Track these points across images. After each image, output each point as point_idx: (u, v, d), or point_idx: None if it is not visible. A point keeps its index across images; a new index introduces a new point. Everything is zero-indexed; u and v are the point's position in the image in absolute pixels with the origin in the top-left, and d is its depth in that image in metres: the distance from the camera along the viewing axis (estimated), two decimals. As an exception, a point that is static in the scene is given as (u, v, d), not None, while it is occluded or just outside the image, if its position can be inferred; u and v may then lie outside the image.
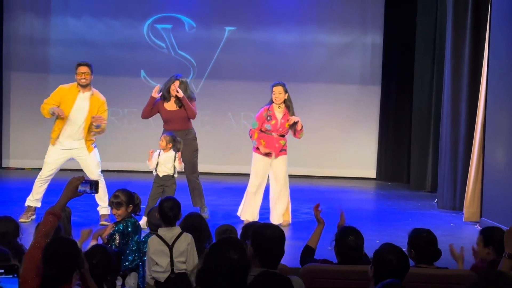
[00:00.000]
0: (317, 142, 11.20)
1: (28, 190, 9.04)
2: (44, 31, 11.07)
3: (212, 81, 11.22)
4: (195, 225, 4.58)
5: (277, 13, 11.16)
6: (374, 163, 11.35)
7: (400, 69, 11.02)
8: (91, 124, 6.98)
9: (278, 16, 11.16)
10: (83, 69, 6.97)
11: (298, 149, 10.81)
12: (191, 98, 7.46)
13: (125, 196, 4.94)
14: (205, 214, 7.37)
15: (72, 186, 3.32)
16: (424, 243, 3.96)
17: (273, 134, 7.34)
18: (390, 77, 11.15)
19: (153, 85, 11.14)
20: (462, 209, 8.14)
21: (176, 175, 7.04)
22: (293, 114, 7.35)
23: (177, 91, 7.31)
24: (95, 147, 7.19)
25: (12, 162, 11.11)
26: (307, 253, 4.16)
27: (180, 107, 7.39)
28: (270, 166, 7.39)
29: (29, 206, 7.06)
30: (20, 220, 6.74)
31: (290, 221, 7.50)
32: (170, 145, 6.99)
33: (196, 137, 7.64)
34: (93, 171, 7.08)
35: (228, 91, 11.15)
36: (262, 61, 11.18)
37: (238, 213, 7.46)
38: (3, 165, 11.05)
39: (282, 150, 7.41)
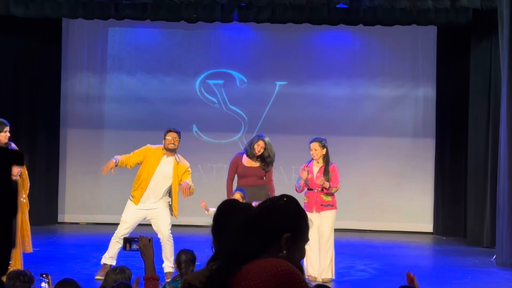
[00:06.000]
0: (370, 195, 11.09)
1: (82, 245, 9.20)
2: (100, 88, 11.36)
3: (263, 135, 11.27)
4: None
5: (328, 67, 11.23)
6: (429, 217, 11.14)
7: (454, 122, 10.89)
8: (177, 190, 7.19)
9: (329, 70, 11.23)
10: (173, 135, 7.21)
11: (352, 202, 10.72)
12: (271, 162, 7.65)
13: None
14: None
15: (150, 245, 3.38)
16: None
17: (314, 189, 7.36)
18: (444, 130, 11.03)
19: (205, 140, 11.37)
20: (523, 267, 7.89)
21: None
22: (326, 169, 7.30)
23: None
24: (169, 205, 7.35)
25: (67, 217, 11.28)
26: None
27: (262, 168, 7.59)
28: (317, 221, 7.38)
29: (104, 264, 7.11)
30: (97, 277, 6.95)
31: (332, 278, 7.35)
32: (244, 201, 7.07)
33: (269, 194, 7.71)
34: (163, 232, 7.18)
35: (278, 145, 11.05)
36: (313, 115, 11.21)
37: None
38: (59, 220, 11.22)
39: (327, 206, 7.36)
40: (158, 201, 7.20)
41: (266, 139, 7.66)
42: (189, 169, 7.33)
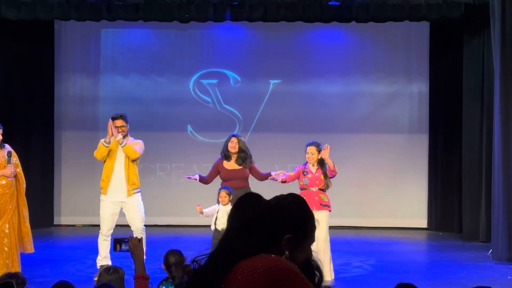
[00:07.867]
0: (365, 192, 11.11)
1: (79, 247, 9.19)
2: (93, 90, 11.35)
3: (258, 134, 11.28)
4: None
5: (321, 64, 11.24)
6: (424, 213, 11.17)
7: (448, 117, 10.91)
8: (130, 174, 7.13)
9: (322, 67, 11.23)
10: (119, 122, 7.08)
11: (346, 200, 10.73)
12: (250, 157, 7.66)
13: None
14: None
15: (139, 246, 3.46)
16: None
17: (311, 188, 7.41)
18: (438, 126, 11.04)
19: (200, 140, 11.36)
20: (519, 261, 7.90)
21: None
22: (325, 172, 7.38)
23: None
24: (138, 192, 7.24)
25: (63, 219, 11.27)
26: None
27: (241, 165, 7.54)
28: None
29: (101, 266, 7.09)
30: (96, 279, 6.89)
31: (333, 278, 7.33)
32: (229, 198, 7.08)
33: None
34: (137, 225, 7.18)
35: (274, 144, 11.18)
36: (307, 112, 11.21)
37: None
38: (55, 223, 11.20)
39: (324, 206, 7.40)
40: (123, 192, 7.13)
41: (239, 137, 7.66)
42: (142, 144, 7.20)
